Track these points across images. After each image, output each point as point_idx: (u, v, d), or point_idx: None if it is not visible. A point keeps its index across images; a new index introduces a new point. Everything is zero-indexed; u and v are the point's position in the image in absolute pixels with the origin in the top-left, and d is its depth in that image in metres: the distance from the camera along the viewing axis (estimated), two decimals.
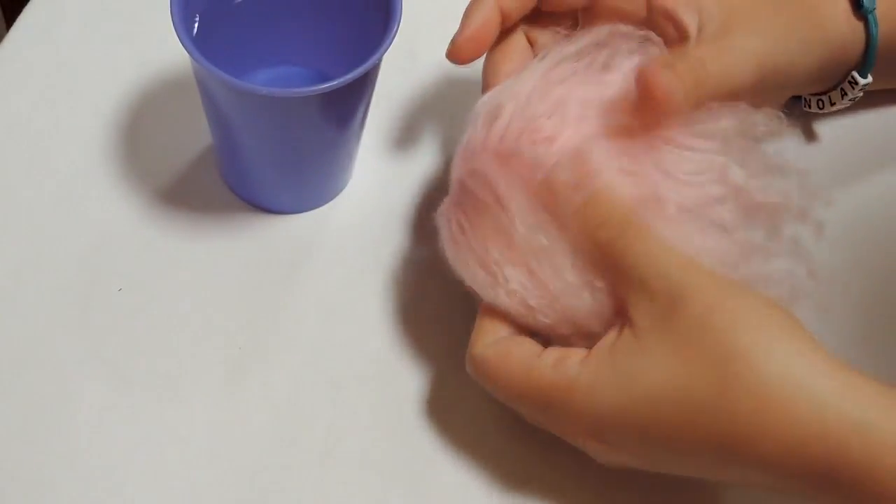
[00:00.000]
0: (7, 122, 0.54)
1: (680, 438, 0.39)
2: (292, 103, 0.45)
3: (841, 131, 0.56)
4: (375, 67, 0.46)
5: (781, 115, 0.45)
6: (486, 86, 0.47)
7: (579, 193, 0.41)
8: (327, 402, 0.48)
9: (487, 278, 0.43)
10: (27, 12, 0.58)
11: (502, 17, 0.46)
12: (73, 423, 0.46)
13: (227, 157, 0.51)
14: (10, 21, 0.82)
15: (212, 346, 0.49)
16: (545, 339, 0.44)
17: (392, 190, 0.54)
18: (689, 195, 0.42)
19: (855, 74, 0.50)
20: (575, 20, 0.49)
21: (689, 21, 0.45)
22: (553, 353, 0.42)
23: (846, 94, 0.52)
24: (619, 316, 0.41)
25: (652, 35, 0.45)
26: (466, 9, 0.46)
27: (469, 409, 0.48)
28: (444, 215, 0.45)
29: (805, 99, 0.54)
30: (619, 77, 0.44)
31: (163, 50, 0.55)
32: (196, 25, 0.46)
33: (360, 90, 0.47)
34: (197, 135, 0.54)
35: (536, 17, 0.48)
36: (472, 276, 0.44)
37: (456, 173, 0.45)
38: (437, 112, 0.56)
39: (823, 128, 0.57)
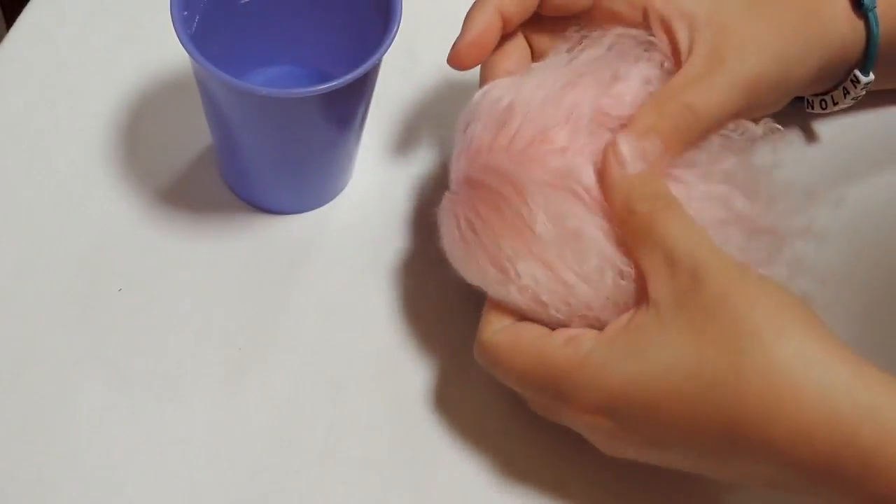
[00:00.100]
0: (7, 122, 0.54)
1: (689, 415, 0.39)
2: (292, 103, 0.45)
3: (841, 131, 0.57)
4: (375, 67, 0.46)
5: (778, 126, 0.45)
6: (483, 83, 0.47)
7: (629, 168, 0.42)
8: (327, 402, 0.48)
9: (499, 275, 0.43)
10: (27, 12, 0.58)
11: (503, 22, 0.46)
12: (73, 423, 0.46)
13: (227, 157, 0.51)
14: (10, 21, 0.82)
15: (212, 346, 0.49)
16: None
17: (392, 190, 0.54)
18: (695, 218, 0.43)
19: (857, 73, 0.50)
20: (574, 25, 0.49)
21: (682, 37, 0.45)
22: (564, 332, 0.42)
23: (849, 92, 0.52)
24: (638, 302, 0.41)
25: (655, 40, 0.46)
26: (467, 14, 0.46)
27: (470, 408, 0.48)
28: (450, 213, 0.45)
29: (808, 100, 0.55)
30: (627, 86, 0.45)
31: (163, 50, 0.55)
32: (196, 25, 0.46)
33: (360, 90, 0.47)
34: (197, 135, 0.54)
35: (536, 22, 0.48)
36: (483, 273, 0.44)
37: (461, 171, 0.45)
38: (437, 112, 0.56)
39: (824, 128, 0.57)
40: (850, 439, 0.36)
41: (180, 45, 0.43)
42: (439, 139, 0.56)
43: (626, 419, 0.40)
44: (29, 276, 0.50)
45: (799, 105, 0.55)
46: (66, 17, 0.58)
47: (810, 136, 0.56)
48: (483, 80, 0.48)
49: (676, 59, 0.45)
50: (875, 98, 0.55)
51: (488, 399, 0.48)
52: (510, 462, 0.47)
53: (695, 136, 0.44)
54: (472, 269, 0.44)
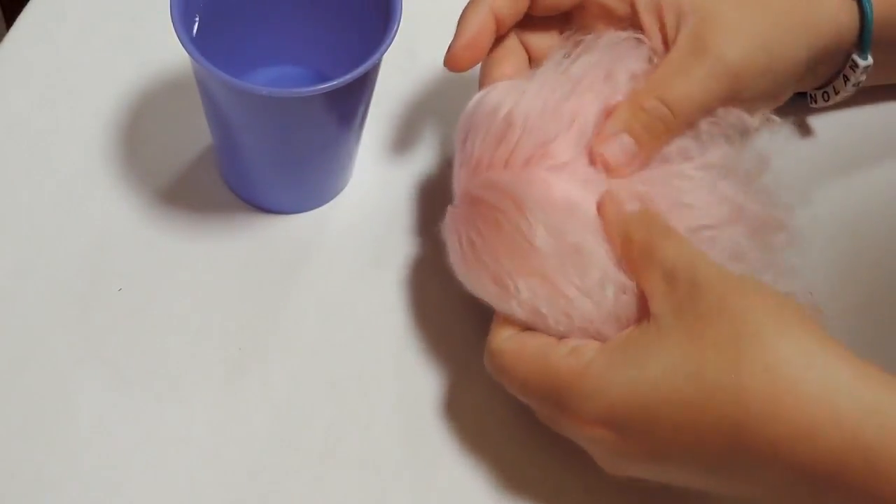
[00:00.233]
0: (7, 122, 0.54)
1: (690, 422, 0.38)
2: (292, 103, 0.45)
3: (838, 126, 0.56)
4: (375, 67, 0.46)
5: (774, 117, 0.45)
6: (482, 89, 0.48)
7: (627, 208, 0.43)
8: (327, 402, 0.48)
9: (499, 291, 0.43)
10: (27, 12, 0.58)
11: (497, 24, 0.46)
12: (73, 423, 0.46)
13: (227, 157, 0.51)
14: (10, 21, 0.82)
15: (212, 346, 0.49)
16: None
17: (392, 190, 0.54)
18: (694, 217, 0.43)
19: (855, 57, 0.50)
20: (566, 22, 0.49)
21: (670, 26, 0.46)
22: (569, 342, 0.42)
23: (848, 79, 0.51)
24: (640, 319, 0.41)
25: (643, 37, 0.46)
26: (461, 16, 0.46)
27: (471, 408, 0.48)
28: (452, 230, 0.46)
29: (810, 94, 0.54)
30: (620, 91, 0.45)
31: (163, 50, 0.55)
32: (196, 25, 0.46)
33: (360, 90, 0.47)
34: (197, 135, 0.54)
35: (528, 22, 0.48)
36: (485, 290, 0.44)
37: (461, 185, 0.46)
38: (437, 112, 0.56)
39: (821, 123, 0.56)
40: (854, 440, 0.36)
41: (180, 45, 0.43)
42: (439, 138, 0.56)
43: (627, 430, 0.40)
44: (29, 276, 0.50)
45: (802, 101, 0.55)
46: (66, 17, 0.58)
47: (807, 132, 0.56)
48: (482, 86, 0.48)
49: (667, 49, 0.46)
50: (874, 95, 0.56)
51: (490, 400, 0.48)
52: (510, 463, 0.47)
53: (673, 129, 0.45)
54: (475, 284, 0.44)
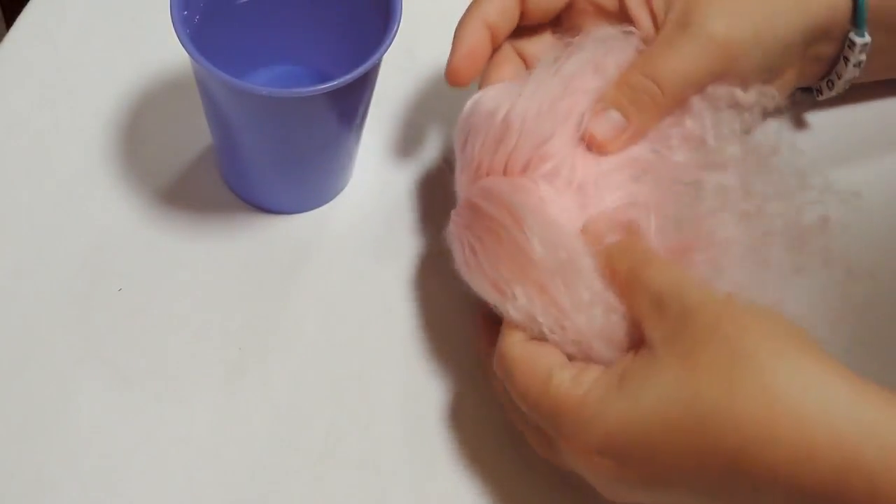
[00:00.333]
0: (7, 122, 0.54)
1: (688, 448, 0.38)
2: (292, 103, 0.45)
3: (837, 122, 0.56)
4: (375, 67, 0.46)
5: (773, 91, 0.46)
6: None
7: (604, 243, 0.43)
8: (327, 402, 0.48)
9: (498, 297, 0.43)
10: (27, 12, 0.58)
11: (491, 35, 0.47)
12: (73, 423, 0.46)
13: (227, 157, 0.51)
14: (10, 21, 0.82)
15: (212, 346, 0.49)
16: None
17: (392, 190, 0.54)
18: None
19: (852, 36, 0.50)
20: (557, 25, 0.50)
21: (659, 10, 0.46)
22: (575, 366, 0.41)
23: (848, 59, 0.51)
24: (636, 346, 0.41)
25: (632, 30, 0.47)
26: (456, 31, 0.47)
27: (471, 408, 0.48)
28: (455, 236, 0.46)
29: (816, 88, 0.54)
30: (611, 83, 0.46)
31: (163, 50, 0.55)
32: (196, 26, 0.46)
33: (359, 90, 0.47)
34: (197, 135, 0.54)
35: (520, 32, 0.49)
36: (487, 294, 0.44)
37: (462, 191, 0.46)
38: (437, 112, 0.56)
39: (820, 119, 0.57)
40: (855, 461, 0.35)
41: (180, 45, 0.43)
42: (439, 138, 0.56)
43: (625, 458, 0.39)
44: (29, 276, 0.50)
45: (809, 96, 0.55)
46: (66, 17, 0.58)
47: (805, 126, 0.56)
48: (481, 90, 0.48)
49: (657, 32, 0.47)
50: (873, 91, 0.56)
51: (491, 401, 0.48)
52: (511, 463, 0.46)
53: (662, 104, 0.45)
54: (478, 289, 0.44)
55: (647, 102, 0.45)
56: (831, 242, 0.43)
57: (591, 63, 0.46)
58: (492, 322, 0.46)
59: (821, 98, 0.55)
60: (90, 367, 0.47)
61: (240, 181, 0.52)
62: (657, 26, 0.47)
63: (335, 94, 0.44)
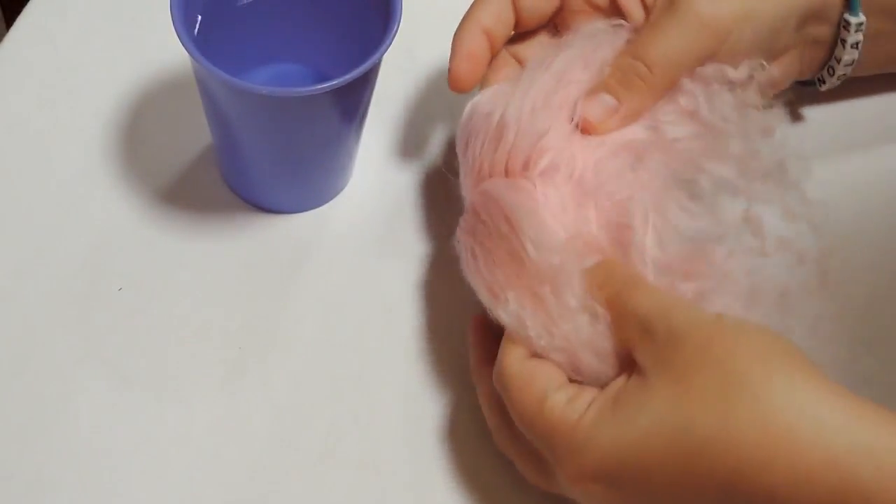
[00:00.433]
0: (7, 122, 0.54)
1: (683, 476, 0.37)
2: (292, 103, 0.45)
3: (836, 119, 0.57)
4: (375, 67, 0.46)
5: (762, 63, 0.46)
6: None
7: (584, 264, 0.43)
8: (327, 402, 0.48)
9: (493, 301, 0.43)
10: (27, 12, 0.58)
11: (489, 40, 0.47)
12: (73, 423, 0.46)
13: (227, 156, 0.51)
14: (10, 21, 0.82)
15: (212, 346, 0.49)
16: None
17: (392, 190, 0.54)
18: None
19: (846, 16, 0.50)
20: (552, 29, 0.50)
21: None
22: (571, 389, 0.41)
23: (845, 41, 0.51)
24: (628, 366, 0.41)
25: (622, 22, 0.47)
26: (454, 38, 0.47)
27: (471, 408, 0.48)
28: (462, 243, 0.46)
29: (818, 78, 0.54)
30: (603, 74, 0.46)
31: (163, 50, 0.55)
32: (196, 26, 0.46)
33: (359, 90, 0.47)
34: (197, 135, 0.54)
35: (516, 37, 0.50)
36: (483, 299, 0.44)
37: (467, 195, 0.47)
38: (437, 112, 0.56)
39: (819, 115, 0.57)
40: (852, 482, 0.35)
41: (180, 45, 0.43)
42: (439, 138, 0.56)
43: (619, 485, 0.39)
44: (29, 276, 0.50)
45: (808, 93, 0.55)
46: (66, 17, 0.58)
47: (803, 120, 0.56)
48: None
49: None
50: (871, 87, 0.56)
51: None
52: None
53: (653, 84, 0.45)
54: (478, 294, 0.44)
55: (637, 83, 0.45)
56: (830, 243, 0.43)
57: (582, 57, 0.47)
58: (486, 336, 0.46)
59: (824, 88, 0.54)
60: (90, 367, 0.47)
61: (240, 181, 0.52)
62: (648, 15, 0.47)
63: (335, 94, 0.44)
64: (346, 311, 0.50)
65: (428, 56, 0.57)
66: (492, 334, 0.45)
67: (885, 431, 0.36)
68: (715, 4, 0.45)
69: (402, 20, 0.45)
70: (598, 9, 0.49)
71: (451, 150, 0.54)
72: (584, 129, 0.45)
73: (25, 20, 0.57)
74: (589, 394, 0.40)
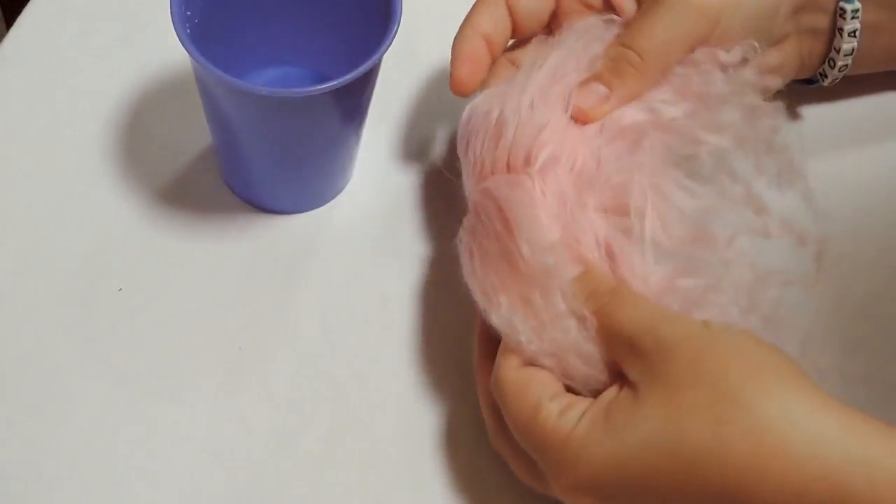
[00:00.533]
0: (7, 122, 0.54)
1: (677, 490, 0.37)
2: (292, 103, 0.45)
3: (836, 116, 0.57)
4: (375, 67, 0.46)
5: (754, 44, 0.46)
6: None
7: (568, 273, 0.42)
8: (327, 402, 0.48)
9: (487, 303, 0.43)
10: (27, 12, 0.58)
11: (488, 46, 0.48)
12: (73, 423, 0.46)
13: (227, 157, 0.51)
14: (10, 21, 0.82)
15: (212, 346, 0.49)
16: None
17: (392, 189, 0.54)
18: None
19: (842, 4, 0.50)
20: (549, 34, 0.50)
21: None
22: (565, 399, 0.41)
23: (843, 29, 0.51)
24: (619, 375, 0.40)
25: (613, 17, 0.48)
26: (453, 44, 0.48)
27: (471, 408, 0.48)
28: (463, 243, 0.46)
29: (820, 73, 0.54)
30: (596, 66, 0.47)
31: (163, 50, 0.55)
32: (196, 25, 0.46)
33: (359, 90, 0.47)
34: (197, 135, 0.54)
35: (514, 45, 0.50)
36: (478, 301, 0.44)
37: (469, 195, 0.47)
38: (438, 112, 0.56)
39: (818, 114, 0.56)
40: (846, 493, 0.35)
41: (180, 45, 0.43)
42: (439, 138, 0.56)
43: (612, 499, 0.39)
44: (29, 276, 0.50)
45: (808, 92, 0.55)
46: (66, 17, 0.58)
47: (802, 119, 0.56)
48: None
49: None
50: (870, 85, 0.56)
51: None
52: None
53: (645, 71, 0.46)
54: (474, 295, 0.44)
55: (628, 71, 0.46)
56: (830, 241, 0.43)
57: (575, 53, 0.47)
58: (489, 337, 0.46)
59: (826, 82, 0.54)
60: (90, 367, 0.47)
61: (240, 181, 0.52)
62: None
63: (335, 94, 0.44)
64: (346, 311, 0.50)
65: (428, 56, 0.57)
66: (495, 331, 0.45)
67: (877, 442, 0.36)
68: None
69: (402, 20, 0.45)
70: (591, 8, 0.49)
71: (451, 150, 0.54)
72: (577, 117, 0.45)
73: (25, 20, 0.57)
74: (581, 405, 0.40)
